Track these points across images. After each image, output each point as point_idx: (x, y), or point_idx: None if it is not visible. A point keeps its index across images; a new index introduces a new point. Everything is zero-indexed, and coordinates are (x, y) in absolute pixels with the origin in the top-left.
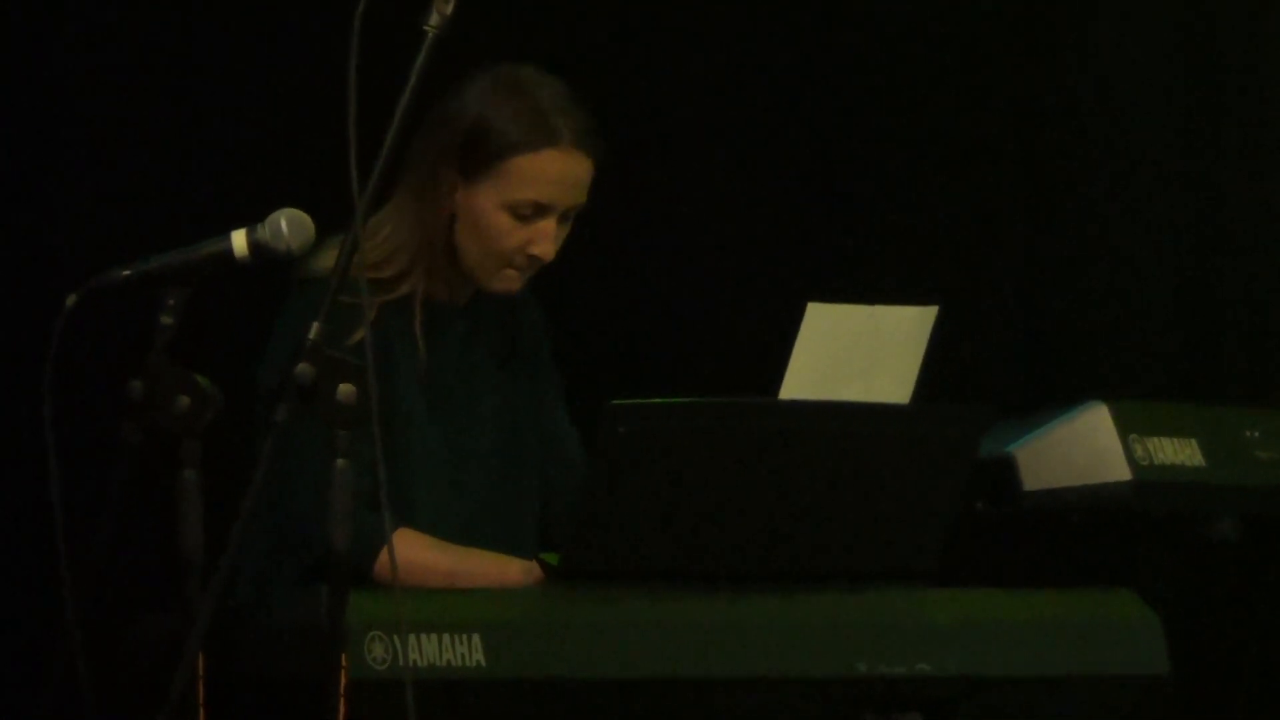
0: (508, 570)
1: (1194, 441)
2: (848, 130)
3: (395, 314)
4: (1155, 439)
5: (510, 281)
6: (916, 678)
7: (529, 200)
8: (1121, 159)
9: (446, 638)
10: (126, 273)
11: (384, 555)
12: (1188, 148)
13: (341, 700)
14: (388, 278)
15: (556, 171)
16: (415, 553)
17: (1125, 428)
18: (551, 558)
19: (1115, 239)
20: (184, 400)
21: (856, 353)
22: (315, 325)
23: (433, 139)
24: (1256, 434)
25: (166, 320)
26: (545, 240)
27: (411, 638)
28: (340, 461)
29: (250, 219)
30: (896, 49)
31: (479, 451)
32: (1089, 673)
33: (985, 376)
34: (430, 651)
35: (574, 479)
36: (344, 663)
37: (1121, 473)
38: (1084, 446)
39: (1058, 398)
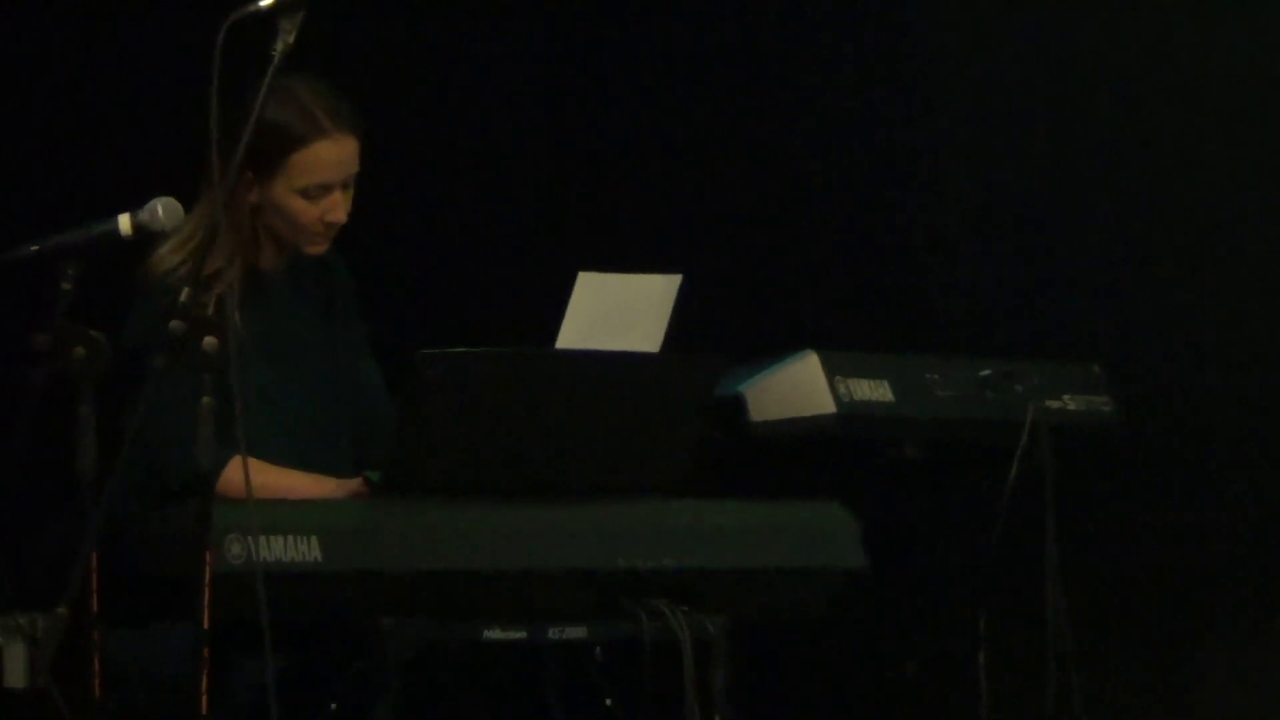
0: (324, 486)
1: (885, 382)
2: (615, 124)
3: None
4: (855, 380)
5: (318, 245)
6: (664, 570)
7: (314, 184)
8: (818, 150)
9: (290, 539)
10: (34, 248)
11: (223, 477)
12: (876, 125)
13: (207, 589)
14: (223, 261)
15: (329, 156)
16: (258, 475)
17: (831, 371)
18: (375, 475)
19: (823, 216)
20: (80, 350)
21: (617, 312)
22: (185, 290)
23: (227, 150)
24: (936, 376)
25: (66, 286)
26: (336, 209)
27: (262, 539)
28: (205, 399)
29: (127, 204)
30: (655, 53)
31: (304, 391)
32: (803, 566)
33: (721, 329)
34: (277, 549)
35: (381, 411)
36: (208, 560)
37: (828, 407)
38: (798, 386)
39: (778, 346)
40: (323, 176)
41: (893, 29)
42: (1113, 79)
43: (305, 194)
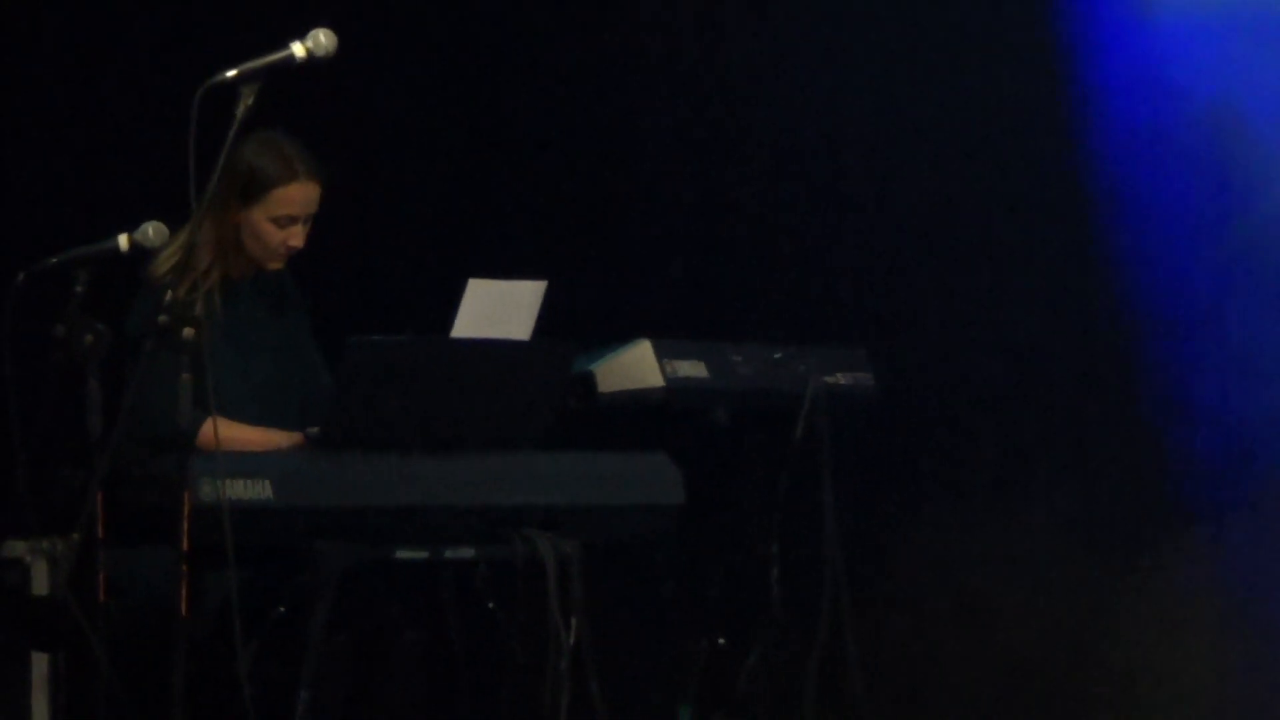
0: (279, 440)
1: (702, 362)
2: (495, 158)
3: (207, 292)
4: (678, 360)
5: (278, 262)
6: (533, 505)
7: (285, 215)
8: (643, 167)
9: (249, 481)
10: (55, 260)
11: (202, 432)
12: (690, 142)
13: (185, 520)
14: (201, 271)
15: (299, 196)
16: (223, 430)
17: (660, 354)
18: (314, 432)
19: (654, 235)
20: (89, 338)
21: (498, 309)
22: (169, 293)
23: (222, 180)
24: (739, 358)
25: (78, 289)
26: (296, 238)
27: (227, 481)
28: (185, 375)
29: (126, 226)
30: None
31: (263, 371)
32: (638, 503)
33: (576, 321)
34: (238, 489)
35: (320, 384)
36: (186, 497)
37: (658, 382)
38: (636, 366)
39: (620, 334)
40: (292, 210)
41: (706, 57)
42: (879, 95)
43: (276, 221)
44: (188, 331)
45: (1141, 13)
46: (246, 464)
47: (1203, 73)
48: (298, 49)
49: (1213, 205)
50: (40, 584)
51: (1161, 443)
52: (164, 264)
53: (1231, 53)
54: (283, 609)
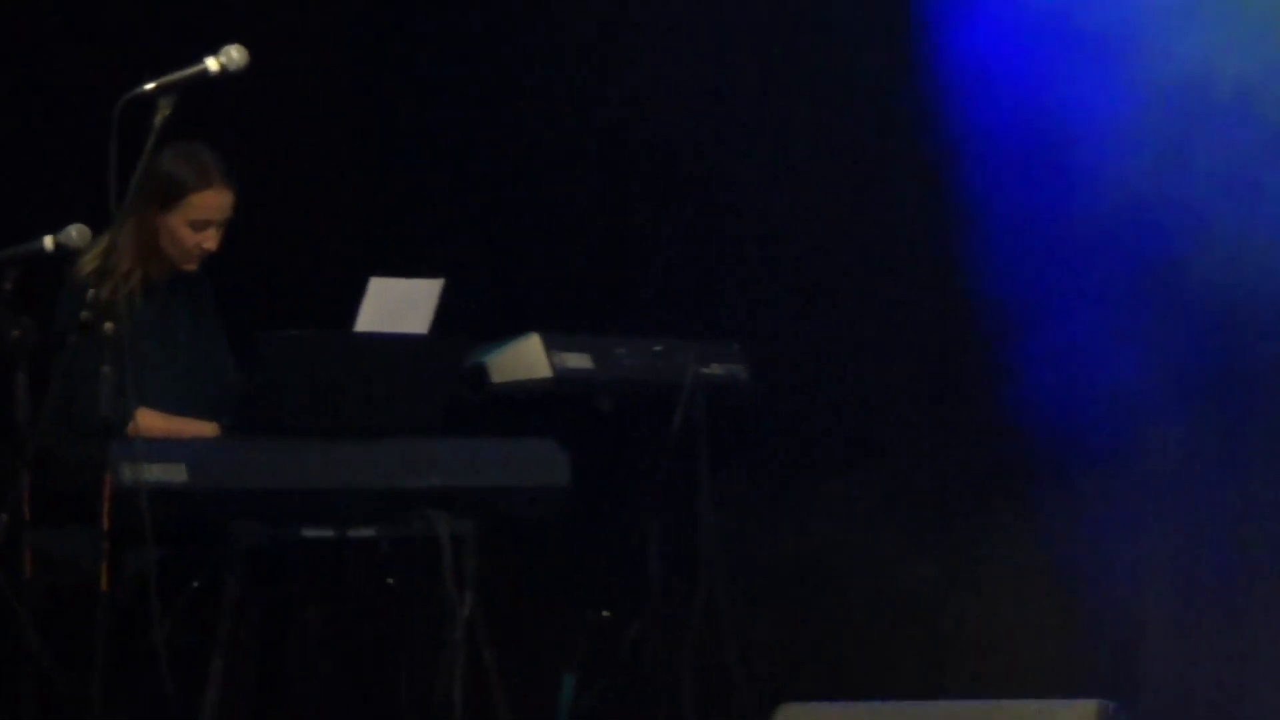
0: (201, 429)
1: (587, 354)
2: (396, 158)
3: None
4: (565, 353)
5: (193, 265)
6: (430, 487)
7: (200, 220)
8: (533, 174)
9: (166, 465)
10: None
11: (133, 422)
12: (575, 148)
13: (107, 501)
14: (122, 272)
15: (214, 201)
16: (149, 420)
17: (548, 346)
18: (227, 421)
19: (544, 237)
20: (17, 333)
21: (398, 306)
22: (91, 291)
23: (141, 187)
24: (623, 350)
25: (6, 286)
26: (211, 241)
27: (145, 465)
28: (105, 367)
29: (51, 228)
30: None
31: (179, 365)
32: (528, 484)
33: (470, 316)
34: (156, 473)
35: (230, 378)
36: (108, 480)
37: (546, 372)
38: (525, 358)
39: (511, 328)
40: (207, 214)
41: (589, 60)
42: (743, 101)
43: (192, 225)
44: (109, 326)
45: (966, 15)
46: (163, 449)
47: (1025, 75)
48: (211, 63)
49: (1038, 204)
50: None
51: (997, 426)
52: (88, 265)
53: (1052, 55)
54: (197, 584)
